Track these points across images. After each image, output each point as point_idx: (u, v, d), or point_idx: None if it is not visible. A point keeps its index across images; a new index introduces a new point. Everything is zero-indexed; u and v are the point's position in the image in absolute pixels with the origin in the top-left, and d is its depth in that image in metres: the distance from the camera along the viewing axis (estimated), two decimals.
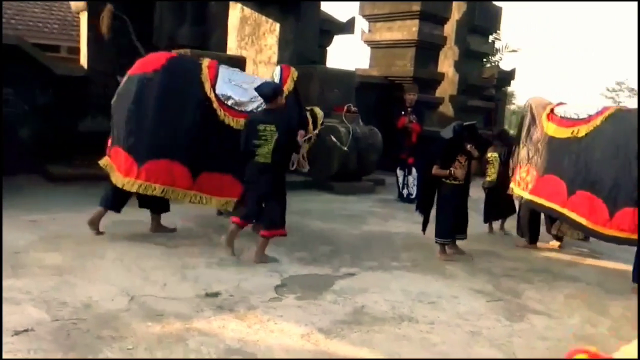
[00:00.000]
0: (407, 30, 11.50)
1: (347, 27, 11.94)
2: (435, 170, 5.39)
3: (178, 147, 5.20)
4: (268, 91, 4.93)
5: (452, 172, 5.31)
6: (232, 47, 10.49)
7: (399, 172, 8.32)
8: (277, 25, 10.24)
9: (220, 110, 5.32)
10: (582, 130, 5.14)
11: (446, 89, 12.16)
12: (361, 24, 12.52)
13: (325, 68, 10.23)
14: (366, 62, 12.54)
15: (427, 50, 11.57)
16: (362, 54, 36.18)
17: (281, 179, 5.05)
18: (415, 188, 8.24)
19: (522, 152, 5.90)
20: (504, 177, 6.23)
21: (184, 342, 3.25)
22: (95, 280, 4.12)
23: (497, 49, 15.66)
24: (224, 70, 5.55)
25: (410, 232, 6.31)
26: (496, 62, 15.91)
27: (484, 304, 4.18)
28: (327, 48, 11.96)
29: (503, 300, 4.27)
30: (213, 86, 5.34)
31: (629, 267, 5.00)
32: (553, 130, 5.47)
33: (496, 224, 6.73)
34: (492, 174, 6.52)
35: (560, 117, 5.48)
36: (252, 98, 5.41)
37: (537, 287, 4.66)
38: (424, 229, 5.62)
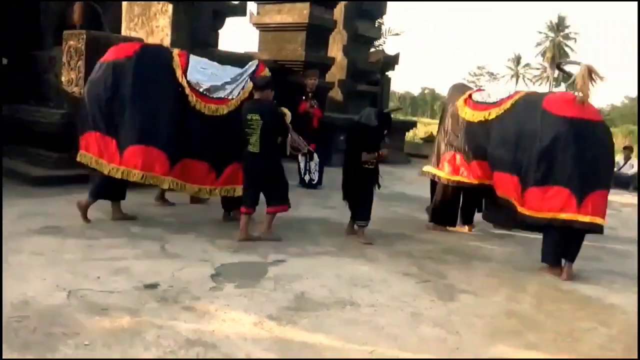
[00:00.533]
0: (297, 13, 11.49)
1: (239, 9, 11.79)
2: (365, 156, 5.61)
3: (156, 133, 5.31)
4: (260, 80, 5.41)
5: (381, 154, 5.69)
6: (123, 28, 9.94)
7: (301, 158, 8.43)
8: (170, 6, 9.84)
9: (193, 96, 5.42)
10: (493, 113, 5.58)
11: (335, 73, 12.45)
12: (251, 6, 12.43)
13: (222, 52, 10.03)
14: (254, 45, 12.52)
15: (317, 34, 11.68)
16: (250, 37, 35.65)
17: (274, 165, 5.41)
18: (317, 174, 8.52)
19: (441, 138, 6.37)
20: None
21: (140, 335, 3.16)
22: (24, 276, 3.84)
23: (381, 33, 16.23)
24: (194, 58, 5.68)
25: (323, 218, 6.55)
26: (380, 46, 16.53)
27: (414, 285, 4.47)
28: (219, 31, 11.74)
29: (431, 282, 4.59)
30: (184, 73, 5.46)
31: (532, 246, 5.63)
32: (469, 115, 5.88)
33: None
34: None
35: (476, 102, 5.92)
36: (223, 85, 5.61)
37: (457, 268, 5.04)
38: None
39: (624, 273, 5.36)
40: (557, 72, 67.20)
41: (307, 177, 8.50)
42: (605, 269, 5.45)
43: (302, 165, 8.52)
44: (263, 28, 12.22)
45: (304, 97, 8.57)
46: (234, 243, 5.19)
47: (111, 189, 5.54)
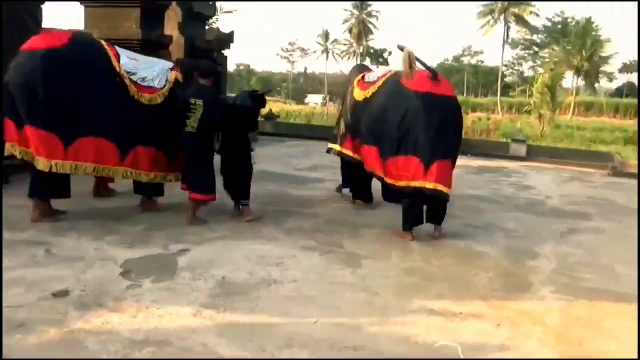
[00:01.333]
0: None
1: None
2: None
3: (102, 124, 5.26)
4: (206, 69, 5.82)
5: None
6: None
7: None
8: None
9: (132, 86, 5.42)
10: (370, 91, 5.95)
11: (172, 52, 12.05)
12: None
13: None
14: (79, 23, 11.57)
15: (152, 11, 11.11)
16: (71, 13, 32.00)
17: (206, 148, 5.58)
18: None
19: (342, 117, 6.67)
20: None
21: (81, 345, 2.99)
22: None
23: (215, 10, 15.87)
24: (120, 49, 5.68)
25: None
26: (214, 24, 16.17)
27: (320, 257, 4.70)
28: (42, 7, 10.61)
29: (332, 252, 4.85)
30: (119, 63, 5.42)
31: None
32: (357, 94, 6.19)
33: None
34: None
35: (365, 82, 6.22)
36: (155, 74, 5.69)
37: (349, 238, 5.35)
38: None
39: (480, 226, 6.16)
40: (361, 47, 71.99)
41: None
42: (466, 223, 6.19)
43: None
44: (90, 4, 11.33)
45: None
46: (124, 237, 4.96)
47: (51, 186, 5.33)
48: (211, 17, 13.80)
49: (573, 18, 54.76)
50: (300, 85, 77.08)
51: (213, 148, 5.73)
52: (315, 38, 76.97)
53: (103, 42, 5.55)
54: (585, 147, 16.02)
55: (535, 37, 61.35)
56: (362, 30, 72.73)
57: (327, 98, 42.99)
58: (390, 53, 78.10)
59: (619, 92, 53.52)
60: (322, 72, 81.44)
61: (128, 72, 5.42)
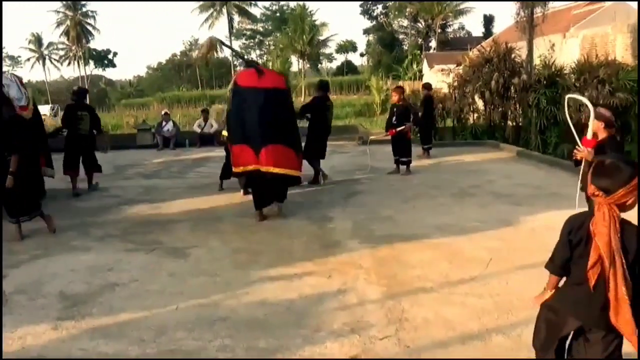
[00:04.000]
0: None
1: None
2: None
3: None
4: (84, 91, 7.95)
5: None
6: None
7: None
8: None
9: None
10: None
11: None
12: None
13: None
14: None
15: None
16: None
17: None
18: None
19: None
20: None
21: None
22: None
23: None
24: None
25: None
26: None
27: (148, 256, 5.01)
28: None
29: (156, 250, 5.19)
30: None
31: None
32: None
33: None
34: None
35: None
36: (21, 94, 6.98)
37: (162, 233, 5.71)
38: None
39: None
40: (81, 51, 67.57)
41: None
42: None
43: None
44: None
45: None
46: None
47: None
48: None
49: (288, 5, 60.02)
50: None
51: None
52: (25, 44, 69.25)
53: None
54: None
55: (258, 26, 65.41)
56: (80, 33, 68.28)
57: (58, 108, 39.58)
58: (115, 54, 75.11)
59: (340, 71, 60.41)
60: (41, 80, 74.28)
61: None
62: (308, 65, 52.37)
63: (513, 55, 13.15)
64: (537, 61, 13.14)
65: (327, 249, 5.03)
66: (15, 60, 75.91)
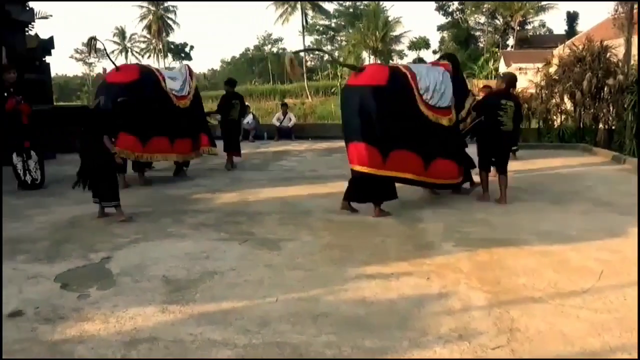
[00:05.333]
0: None
1: None
2: (108, 140, 6.05)
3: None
4: (235, 83, 10.18)
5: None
6: None
7: (17, 159, 7.68)
8: None
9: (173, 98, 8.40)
10: None
11: None
12: None
13: None
14: None
15: None
16: None
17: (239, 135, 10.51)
18: (39, 172, 7.87)
19: None
20: None
21: (73, 354, 3.09)
22: None
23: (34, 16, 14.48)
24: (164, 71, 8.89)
25: (80, 215, 6.37)
26: (31, 31, 14.72)
27: (241, 246, 5.06)
28: None
29: (248, 240, 5.24)
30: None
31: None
32: None
33: None
34: None
35: None
36: (182, 86, 8.75)
37: (250, 223, 5.85)
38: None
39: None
40: (161, 44, 69.99)
41: (28, 178, 7.77)
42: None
43: (19, 166, 7.75)
44: None
45: (6, 94, 7.68)
46: (36, 255, 4.88)
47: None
48: (30, 24, 12.77)
49: (362, 2, 59.71)
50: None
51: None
52: (110, 37, 72.34)
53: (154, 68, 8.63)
54: None
55: (331, 22, 65.45)
56: (161, 27, 70.78)
57: None
58: (192, 47, 77.37)
59: None
60: None
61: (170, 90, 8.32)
62: (379, 62, 52.04)
63: (608, 54, 12.46)
64: (634, 60, 12.40)
65: (421, 250, 4.91)
66: (101, 52, 79.56)
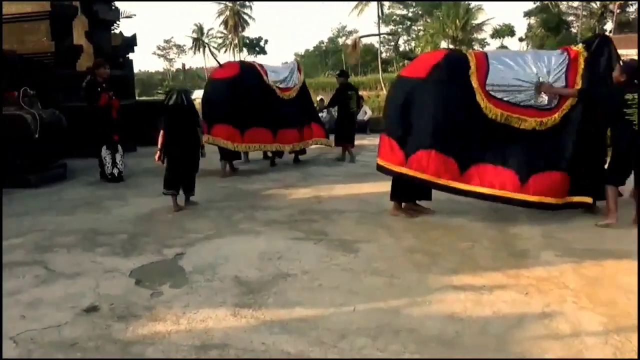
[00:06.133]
0: (36, 2, 10.24)
1: None
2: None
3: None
4: (347, 74, 10.38)
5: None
6: None
7: (105, 152, 7.85)
8: None
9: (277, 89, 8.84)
10: None
11: (81, 62, 11.40)
12: None
13: None
14: None
15: (60, 22, 10.58)
16: None
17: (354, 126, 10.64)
18: (123, 166, 8.05)
19: None
20: None
21: (144, 355, 2.97)
22: None
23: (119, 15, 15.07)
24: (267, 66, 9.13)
25: (153, 209, 6.35)
26: (116, 29, 15.32)
27: (315, 246, 4.84)
28: None
29: (323, 240, 5.00)
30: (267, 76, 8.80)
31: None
32: None
33: None
34: None
35: None
36: (287, 78, 9.20)
37: (327, 223, 5.57)
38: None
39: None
40: (237, 39, 71.29)
41: (115, 170, 7.94)
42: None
43: (108, 159, 7.90)
44: None
45: (99, 89, 7.81)
46: (113, 248, 4.89)
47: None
48: (115, 22, 13.24)
49: None
50: (181, 83, 74.93)
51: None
52: (189, 34, 74.65)
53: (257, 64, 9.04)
54: None
55: (408, 11, 63.83)
56: (237, 22, 72.12)
57: None
58: (266, 41, 78.35)
59: None
60: (200, 66, 79.60)
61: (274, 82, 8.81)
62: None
63: None
64: None
65: (516, 259, 4.44)
66: (180, 48, 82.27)
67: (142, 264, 4.47)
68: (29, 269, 4.37)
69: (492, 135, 5.34)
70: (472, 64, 5.42)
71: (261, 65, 8.98)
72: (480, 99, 5.33)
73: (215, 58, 9.24)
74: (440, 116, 5.38)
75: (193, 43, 75.78)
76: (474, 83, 5.35)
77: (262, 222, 5.70)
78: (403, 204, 5.92)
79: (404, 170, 5.49)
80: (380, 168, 5.70)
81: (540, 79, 5.43)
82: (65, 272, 4.29)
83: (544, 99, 5.44)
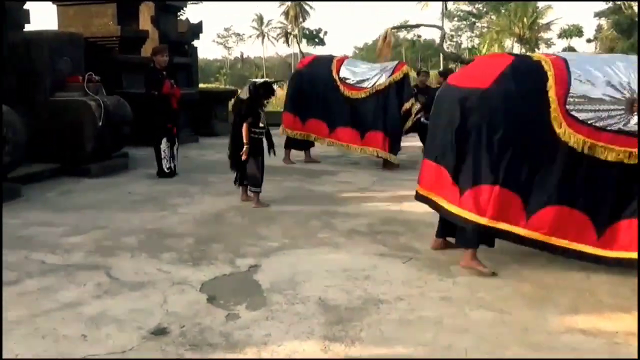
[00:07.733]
0: None
1: None
2: (245, 129, 5.87)
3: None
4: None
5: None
6: None
7: (165, 144, 7.39)
8: None
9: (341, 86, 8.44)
10: None
11: (146, 47, 11.18)
12: None
13: (54, 32, 8.59)
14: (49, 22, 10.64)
15: (127, 6, 10.39)
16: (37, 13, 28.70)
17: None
18: (177, 160, 7.69)
19: None
20: None
21: None
22: None
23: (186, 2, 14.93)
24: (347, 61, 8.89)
25: (224, 209, 5.94)
26: (182, 15, 15.18)
27: (406, 266, 4.28)
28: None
29: (414, 259, 4.43)
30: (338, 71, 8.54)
31: None
32: None
33: None
34: None
35: None
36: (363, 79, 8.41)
37: (415, 238, 4.97)
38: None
39: None
40: (296, 29, 71.21)
41: (172, 165, 7.54)
42: None
43: (167, 152, 7.46)
44: (63, 3, 10.37)
45: (160, 77, 7.37)
46: (181, 255, 4.45)
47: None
48: (182, 9, 12.98)
49: None
50: (238, 71, 75.56)
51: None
52: (250, 23, 75.18)
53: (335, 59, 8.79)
54: None
55: (473, 7, 62.11)
56: (298, 12, 72.05)
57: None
58: (326, 33, 77.98)
59: None
60: (258, 56, 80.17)
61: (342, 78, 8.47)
62: (524, 51, 48.44)
63: None
64: None
65: None
66: (239, 36, 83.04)
67: (214, 275, 4.01)
68: (90, 275, 3.98)
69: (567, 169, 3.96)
70: (550, 75, 3.96)
71: (339, 60, 8.79)
72: (557, 122, 3.89)
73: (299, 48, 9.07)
74: (510, 141, 3.99)
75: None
76: (553, 102, 3.89)
77: (341, 231, 5.17)
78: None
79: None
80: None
81: (634, 94, 3.85)
82: (130, 281, 3.88)
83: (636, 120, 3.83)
